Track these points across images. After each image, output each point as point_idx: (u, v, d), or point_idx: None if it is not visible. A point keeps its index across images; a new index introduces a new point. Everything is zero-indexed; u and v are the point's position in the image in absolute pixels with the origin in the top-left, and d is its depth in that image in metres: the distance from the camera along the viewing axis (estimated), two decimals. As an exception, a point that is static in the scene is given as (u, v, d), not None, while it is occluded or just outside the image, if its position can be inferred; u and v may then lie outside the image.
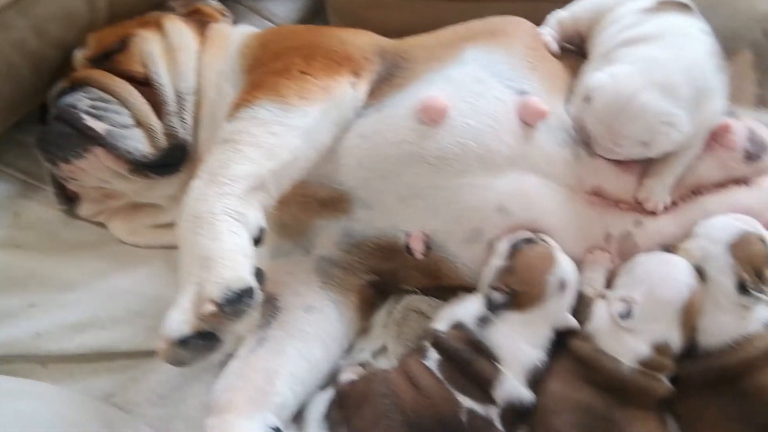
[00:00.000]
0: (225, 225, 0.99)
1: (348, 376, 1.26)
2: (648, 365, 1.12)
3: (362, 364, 1.30)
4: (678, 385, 1.16)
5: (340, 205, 1.28)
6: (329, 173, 1.25)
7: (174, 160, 1.32)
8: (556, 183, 1.26)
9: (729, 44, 1.33)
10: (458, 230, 1.25)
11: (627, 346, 1.13)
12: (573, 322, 1.18)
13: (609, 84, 1.18)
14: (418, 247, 1.27)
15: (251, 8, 1.81)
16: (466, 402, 1.11)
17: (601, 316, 1.18)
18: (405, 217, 1.26)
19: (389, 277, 1.35)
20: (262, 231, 1.04)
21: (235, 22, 1.61)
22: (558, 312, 1.17)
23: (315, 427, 1.20)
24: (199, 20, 1.47)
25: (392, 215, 1.27)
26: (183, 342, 0.93)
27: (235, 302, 0.93)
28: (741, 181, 1.30)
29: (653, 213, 1.26)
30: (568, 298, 1.18)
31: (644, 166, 1.27)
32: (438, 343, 1.17)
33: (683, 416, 1.19)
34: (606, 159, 1.26)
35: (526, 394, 1.14)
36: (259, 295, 0.97)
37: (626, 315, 1.13)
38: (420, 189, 1.24)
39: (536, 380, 1.16)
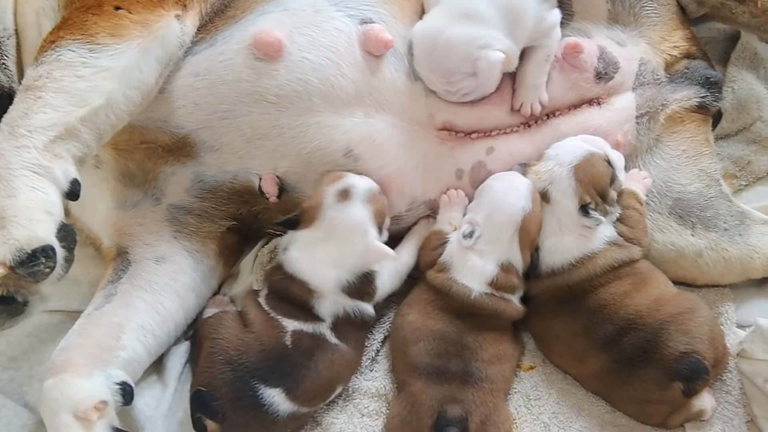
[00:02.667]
0: (23, 180, 0.92)
1: (210, 310, 1.25)
2: (497, 286, 1.15)
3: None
4: (530, 305, 1.20)
5: (185, 150, 1.22)
6: (166, 117, 1.18)
7: (-1, 109, 1.22)
8: (406, 121, 1.23)
9: (580, -38, 1.32)
10: (309, 172, 1.22)
11: (476, 268, 1.15)
12: (386, 251, 1.15)
13: (419, 31, 1.19)
14: (270, 190, 1.23)
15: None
16: (292, 325, 1.13)
17: (452, 243, 1.20)
18: (255, 159, 1.22)
19: (251, 221, 1.31)
20: (74, 183, 0.97)
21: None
22: (353, 232, 1.14)
23: (175, 377, 1.20)
24: (19, -47, 1.33)
25: (241, 158, 1.22)
26: None
27: (29, 263, 0.89)
28: (593, 101, 1.31)
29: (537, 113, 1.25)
30: (357, 211, 1.14)
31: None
32: (265, 278, 1.19)
33: (536, 334, 1.24)
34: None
35: (350, 305, 1.15)
36: (60, 254, 0.92)
37: (469, 235, 1.16)
38: (265, 129, 1.19)
39: (362, 292, 1.16)
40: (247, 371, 1.09)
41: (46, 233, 0.91)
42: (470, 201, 1.25)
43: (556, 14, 1.24)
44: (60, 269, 0.94)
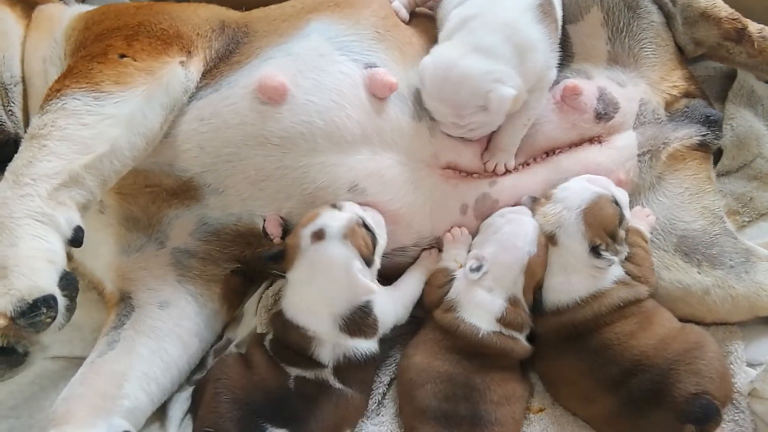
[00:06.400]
0: (25, 229, 0.92)
1: None
2: (505, 322, 1.14)
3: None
4: (536, 345, 1.19)
5: (190, 193, 1.22)
6: (171, 160, 1.18)
7: (4, 156, 1.22)
8: (412, 159, 1.23)
9: (580, 3, 1.34)
10: None
11: (484, 304, 1.15)
12: (370, 287, 1.13)
13: (431, 62, 1.18)
14: (274, 231, 1.23)
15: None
16: (294, 371, 1.12)
17: (459, 279, 1.20)
18: (259, 201, 1.22)
19: (255, 263, 1.30)
20: (77, 231, 0.97)
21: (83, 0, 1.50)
22: (335, 269, 1.12)
23: (176, 425, 1.18)
24: (27, 1, 1.35)
25: (246, 200, 1.22)
26: None
27: (30, 314, 0.88)
28: (594, 139, 1.32)
29: (501, 174, 1.26)
30: (335, 249, 1.11)
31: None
32: (270, 322, 1.18)
33: (543, 374, 1.23)
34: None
35: (351, 346, 1.13)
36: (62, 303, 0.91)
37: (476, 269, 1.17)
38: (269, 171, 1.19)
39: (362, 327, 1.13)
40: (254, 411, 1.08)
41: (47, 283, 0.90)
42: (476, 232, 1.25)
43: (554, 74, 1.24)
44: (61, 318, 0.93)
